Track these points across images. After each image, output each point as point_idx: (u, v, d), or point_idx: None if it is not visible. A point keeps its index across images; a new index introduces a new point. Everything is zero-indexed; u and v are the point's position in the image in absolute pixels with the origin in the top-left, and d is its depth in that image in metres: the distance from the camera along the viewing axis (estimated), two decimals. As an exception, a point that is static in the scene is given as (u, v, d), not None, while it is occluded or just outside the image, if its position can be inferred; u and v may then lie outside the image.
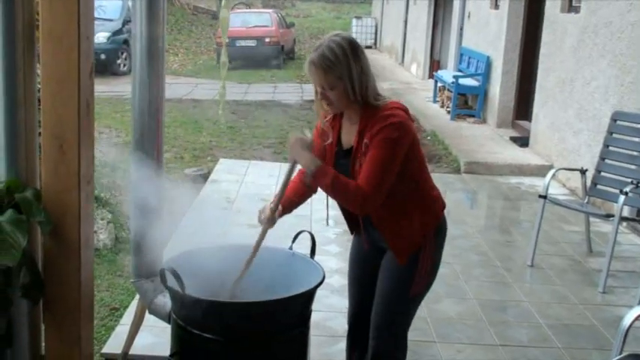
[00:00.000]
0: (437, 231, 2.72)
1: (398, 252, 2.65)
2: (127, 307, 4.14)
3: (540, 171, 7.48)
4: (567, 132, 7.20)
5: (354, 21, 24.93)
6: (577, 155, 6.88)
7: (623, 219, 4.59)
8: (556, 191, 6.56)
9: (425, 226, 2.66)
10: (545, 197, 4.83)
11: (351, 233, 2.92)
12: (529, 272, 4.77)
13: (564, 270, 4.81)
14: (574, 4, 7.51)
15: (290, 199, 2.79)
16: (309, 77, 2.55)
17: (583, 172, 5.04)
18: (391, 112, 2.50)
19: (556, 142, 7.48)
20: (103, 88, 12.26)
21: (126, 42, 15.21)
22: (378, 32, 24.20)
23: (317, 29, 29.10)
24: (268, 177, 6.91)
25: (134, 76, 2.74)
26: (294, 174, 2.76)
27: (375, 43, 24.30)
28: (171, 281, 2.53)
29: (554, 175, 5.01)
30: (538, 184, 7.13)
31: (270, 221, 2.73)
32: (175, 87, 14.10)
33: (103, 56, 14.62)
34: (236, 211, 5.74)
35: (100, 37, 14.51)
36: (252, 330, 2.52)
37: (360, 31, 24.08)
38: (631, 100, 5.88)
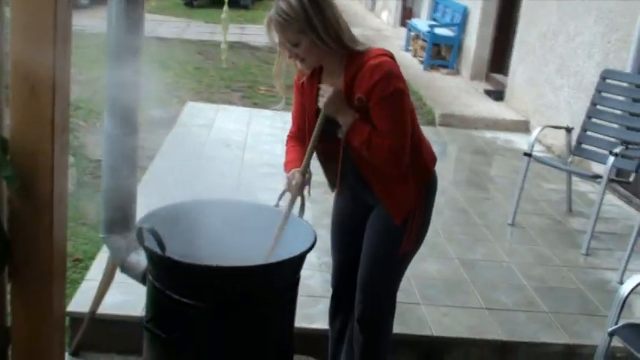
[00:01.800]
0: (429, 187, 2.56)
1: (394, 212, 2.49)
2: (91, 258, 3.89)
3: (516, 126, 7.35)
4: (546, 88, 7.05)
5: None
6: (556, 112, 6.74)
7: (613, 181, 4.47)
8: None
9: (418, 182, 2.50)
10: (530, 155, 4.68)
11: (332, 191, 2.72)
12: (510, 231, 4.64)
13: (545, 230, 4.70)
14: (560, -46, 7.28)
15: (299, 159, 2.55)
16: (269, 39, 2.35)
17: (569, 130, 4.89)
18: (378, 60, 2.30)
19: (534, 98, 7.33)
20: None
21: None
22: (348, -24, 23.63)
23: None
24: (238, 122, 6.64)
25: (109, 12, 2.45)
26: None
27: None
28: (150, 241, 2.30)
29: (538, 132, 4.83)
30: (514, 139, 7.02)
31: (302, 187, 2.50)
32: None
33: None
34: (207, 158, 5.48)
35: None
36: (238, 297, 2.32)
37: (329, -26, 23.46)
38: (617, 58, 5.72)
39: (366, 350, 2.67)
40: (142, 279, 2.72)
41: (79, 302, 3.17)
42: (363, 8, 18.94)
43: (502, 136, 7.11)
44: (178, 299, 2.30)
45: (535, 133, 4.79)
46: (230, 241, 2.57)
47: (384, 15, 16.26)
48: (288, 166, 2.54)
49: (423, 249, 2.65)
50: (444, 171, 5.88)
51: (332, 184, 2.69)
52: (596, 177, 4.50)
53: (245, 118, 6.79)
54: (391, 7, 15.59)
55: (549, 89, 6.97)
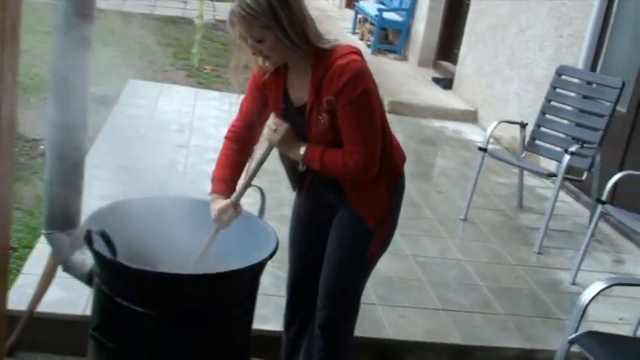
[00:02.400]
0: (398, 187, 2.45)
1: (367, 215, 2.37)
2: (27, 247, 3.65)
3: (465, 116, 7.32)
4: (496, 79, 7.03)
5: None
6: (504, 103, 6.73)
7: (565, 179, 4.45)
8: (478, 138, 6.42)
9: (389, 184, 2.39)
10: (485, 150, 4.62)
11: (294, 190, 2.58)
12: (462, 227, 4.59)
13: (497, 226, 4.66)
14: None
15: (231, 179, 2.43)
16: (232, 33, 2.18)
17: (523, 125, 4.86)
18: (346, 59, 2.17)
19: (483, 88, 7.30)
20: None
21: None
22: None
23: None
24: (182, 103, 6.39)
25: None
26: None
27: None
28: (99, 244, 2.11)
29: (494, 127, 4.77)
30: (462, 129, 6.99)
31: (233, 218, 2.37)
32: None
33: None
34: (151, 142, 5.24)
35: None
36: (192, 305, 2.16)
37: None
38: (569, 53, 5.72)
39: (328, 355, 2.55)
40: (88, 280, 2.52)
41: (16, 299, 2.93)
42: (308, -13, 18.68)
43: (451, 125, 7.07)
44: (128, 306, 2.14)
45: (491, 127, 4.73)
46: (181, 240, 2.40)
47: (330, -5, 16.05)
48: (215, 185, 2.41)
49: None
50: (394, 161, 5.80)
51: (293, 184, 2.55)
52: (551, 175, 4.47)
53: (190, 99, 6.54)
54: (337, -13, 15.38)
55: (499, 80, 6.95)
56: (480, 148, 4.66)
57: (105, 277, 2.19)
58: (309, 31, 2.17)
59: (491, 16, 7.31)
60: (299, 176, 2.47)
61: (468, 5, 8.11)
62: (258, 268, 2.25)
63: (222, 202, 2.33)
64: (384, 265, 3.80)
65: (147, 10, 11.61)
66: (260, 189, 2.48)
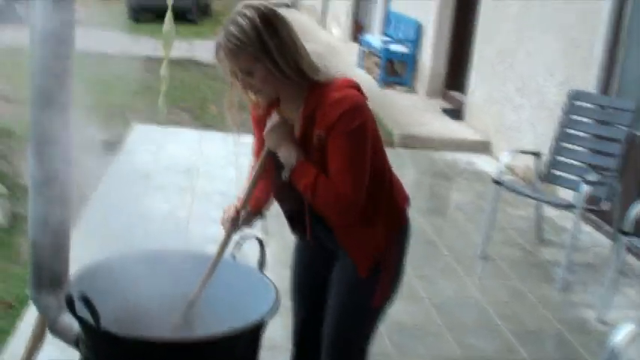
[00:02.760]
0: (402, 231, 2.24)
1: (359, 262, 2.16)
2: (24, 302, 3.49)
3: (477, 147, 7.14)
4: (506, 107, 6.85)
5: (272, -23, 23.98)
6: (517, 132, 6.55)
7: (585, 210, 4.24)
8: (492, 169, 6.22)
9: (389, 227, 2.18)
10: (499, 183, 4.42)
11: (293, 233, 2.39)
12: (480, 264, 4.37)
13: (516, 262, 4.45)
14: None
15: (258, 198, 2.26)
16: (219, 66, 2.02)
17: (537, 155, 4.66)
18: (343, 93, 1.99)
19: (494, 117, 7.13)
20: (-1, 37, 11.10)
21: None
22: (297, -10, 23.41)
23: (232, -16, 27.99)
24: (188, 146, 6.26)
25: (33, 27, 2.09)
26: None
27: (295, 3, 23.50)
28: (82, 309, 1.93)
29: (508, 158, 4.58)
30: (475, 160, 6.80)
31: (234, 223, 2.19)
32: (81, 39, 13.01)
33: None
34: (155, 188, 5.10)
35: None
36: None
37: (278, -12, 23.23)
38: (580, 77, 5.54)
39: None
40: (76, 344, 2.34)
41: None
42: (313, 23, 18.71)
43: (463, 157, 6.88)
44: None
45: (505, 158, 4.55)
46: (178, 299, 2.22)
47: (335, 30, 16.04)
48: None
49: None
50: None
51: (292, 227, 2.37)
52: (570, 207, 4.26)
53: (196, 142, 6.42)
54: (341, 21, 15.38)
55: (509, 108, 6.78)
56: (495, 181, 4.47)
57: (90, 345, 2.01)
58: (302, 62, 2.00)
59: (498, 43, 7.16)
60: (297, 218, 2.28)
61: (474, 33, 7.97)
62: (255, 329, 2.06)
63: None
64: (398, 310, 3.57)
65: (151, 53, 11.59)
66: (259, 239, 2.30)
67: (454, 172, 6.44)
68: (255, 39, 1.92)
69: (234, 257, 2.31)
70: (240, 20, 1.93)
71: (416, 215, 5.08)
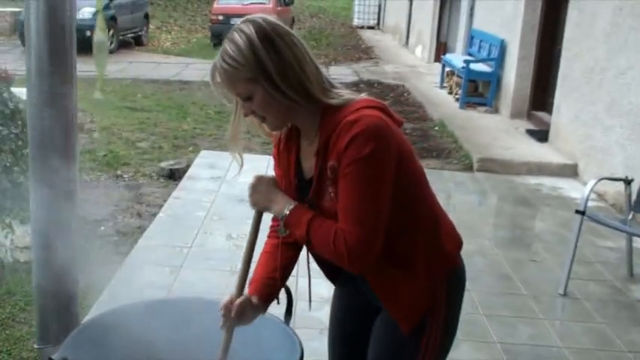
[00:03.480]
0: (451, 281, 1.89)
1: (399, 318, 1.84)
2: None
3: (563, 171, 6.64)
4: (595, 128, 6.34)
5: (357, 0, 23.89)
6: (607, 155, 6.03)
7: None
8: (579, 195, 5.70)
9: (434, 277, 1.83)
10: (583, 213, 3.99)
11: (330, 281, 2.08)
12: (562, 303, 3.94)
13: (603, 301, 3.98)
14: (606, -19, 6.61)
15: (269, 277, 1.95)
16: (216, 92, 1.76)
17: (628, 182, 4.20)
18: (358, 114, 1.66)
19: (581, 139, 6.61)
20: (84, 67, 11.34)
21: (113, 18, 14.28)
22: (382, 12, 23.15)
23: (318, 8, 28.05)
24: (253, 173, 6.06)
25: (28, 50, 1.91)
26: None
27: (378, 24, 23.28)
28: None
29: (593, 185, 4.13)
30: (561, 185, 6.30)
31: (228, 317, 1.90)
32: (165, 67, 13.22)
33: (88, 33, 13.63)
34: (213, 220, 4.92)
35: (86, 12, 13.52)
36: None
37: (362, 10, 23.04)
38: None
39: None
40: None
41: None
42: (396, 44, 18.42)
43: (548, 182, 6.40)
44: None
45: (589, 186, 4.10)
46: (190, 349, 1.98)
47: (418, 50, 15.70)
48: (250, 287, 1.94)
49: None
50: (484, 226, 5.22)
51: (327, 276, 2.06)
52: (665, 240, 3.79)
53: (262, 168, 6.21)
54: (425, 42, 15.03)
55: (599, 129, 6.26)
56: (578, 211, 4.03)
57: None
58: (310, 83, 1.70)
59: (586, 60, 6.66)
60: (332, 268, 1.98)
61: (560, 51, 7.48)
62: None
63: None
64: (465, 356, 3.24)
65: (206, 78, 11.59)
66: (287, 288, 2.02)
67: (537, 198, 5.97)
68: (251, 58, 1.65)
69: None
70: (237, 37, 1.67)
71: (491, 247, 4.72)
